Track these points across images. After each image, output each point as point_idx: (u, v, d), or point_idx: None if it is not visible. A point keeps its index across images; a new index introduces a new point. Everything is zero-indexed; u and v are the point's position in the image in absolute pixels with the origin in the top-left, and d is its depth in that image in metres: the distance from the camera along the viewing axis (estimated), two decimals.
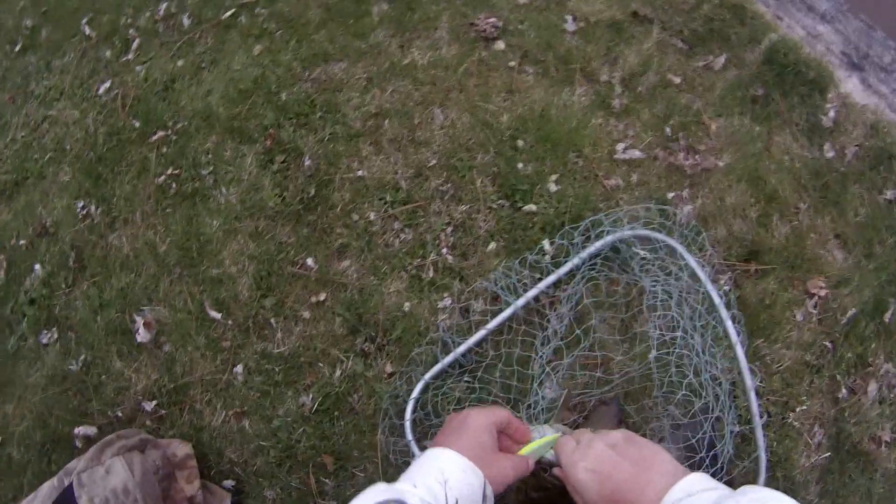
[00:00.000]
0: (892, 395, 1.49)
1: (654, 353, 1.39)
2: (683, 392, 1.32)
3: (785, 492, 1.37)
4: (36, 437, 1.68)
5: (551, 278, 1.45)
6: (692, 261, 1.38)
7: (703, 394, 1.32)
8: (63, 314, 1.76)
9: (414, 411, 1.42)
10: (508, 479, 0.89)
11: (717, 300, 1.34)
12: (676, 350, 1.36)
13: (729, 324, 1.31)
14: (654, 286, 1.43)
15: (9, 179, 2.01)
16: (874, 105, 1.75)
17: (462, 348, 1.43)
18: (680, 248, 1.42)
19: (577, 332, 1.45)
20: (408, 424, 1.38)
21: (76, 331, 1.73)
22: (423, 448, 1.39)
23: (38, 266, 1.83)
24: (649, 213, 1.54)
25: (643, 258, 1.47)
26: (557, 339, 1.45)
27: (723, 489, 0.74)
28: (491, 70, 1.80)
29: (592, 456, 0.86)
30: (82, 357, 1.70)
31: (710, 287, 1.36)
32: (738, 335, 1.32)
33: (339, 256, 1.63)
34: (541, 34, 1.83)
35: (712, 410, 1.31)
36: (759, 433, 1.29)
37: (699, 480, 0.77)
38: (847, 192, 1.65)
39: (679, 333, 1.36)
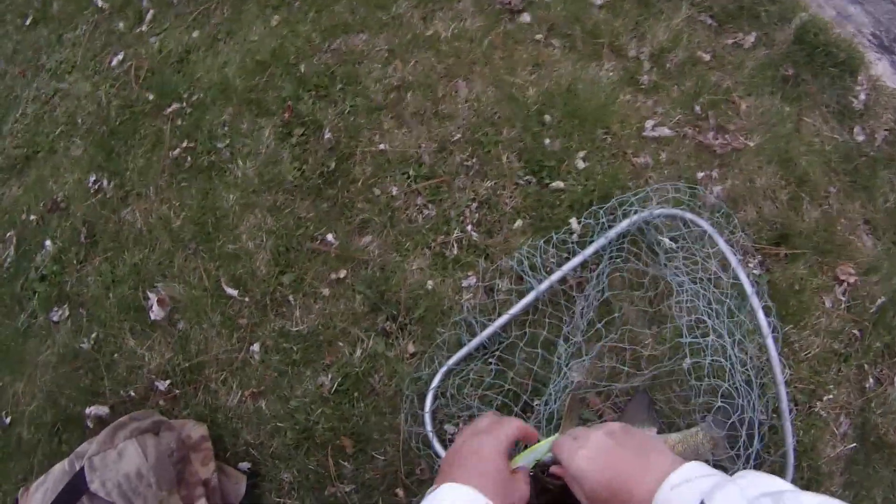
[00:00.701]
0: None
1: (688, 360, 1.36)
2: (710, 381, 1.30)
3: (809, 482, 1.38)
4: (47, 416, 1.64)
5: (576, 260, 1.41)
6: (724, 245, 1.34)
7: (737, 388, 1.29)
8: (74, 291, 1.72)
9: (435, 399, 1.39)
10: (527, 496, 0.88)
11: (749, 289, 1.30)
12: (707, 341, 1.34)
13: (761, 315, 1.28)
14: (682, 285, 1.40)
15: (19, 154, 1.96)
16: None
17: (485, 333, 1.39)
18: (711, 230, 1.39)
19: (598, 326, 1.41)
20: (427, 417, 1.35)
21: (88, 308, 1.69)
22: (442, 439, 1.37)
23: (48, 242, 1.79)
24: (678, 194, 1.50)
25: (668, 249, 1.44)
26: (584, 323, 1.41)
27: (720, 475, 0.74)
28: (517, 43, 1.76)
29: (591, 444, 0.85)
30: (94, 335, 1.66)
31: (742, 276, 1.32)
32: (771, 328, 1.29)
33: (360, 232, 1.59)
34: (568, 7, 1.78)
35: (745, 401, 1.28)
36: (788, 428, 1.26)
37: (697, 467, 0.76)
38: (877, 176, 1.61)
39: (710, 337, 1.34)
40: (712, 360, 1.34)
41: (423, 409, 1.37)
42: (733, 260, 1.33)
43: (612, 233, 1.42)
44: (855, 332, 1.50)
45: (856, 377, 1.47)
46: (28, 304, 1.74)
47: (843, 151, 1.64)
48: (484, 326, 1.41)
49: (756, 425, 1.29)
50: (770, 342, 1.29)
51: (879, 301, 1.52)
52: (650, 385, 1.39)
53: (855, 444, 1.43)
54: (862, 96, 1.69)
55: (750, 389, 1.31)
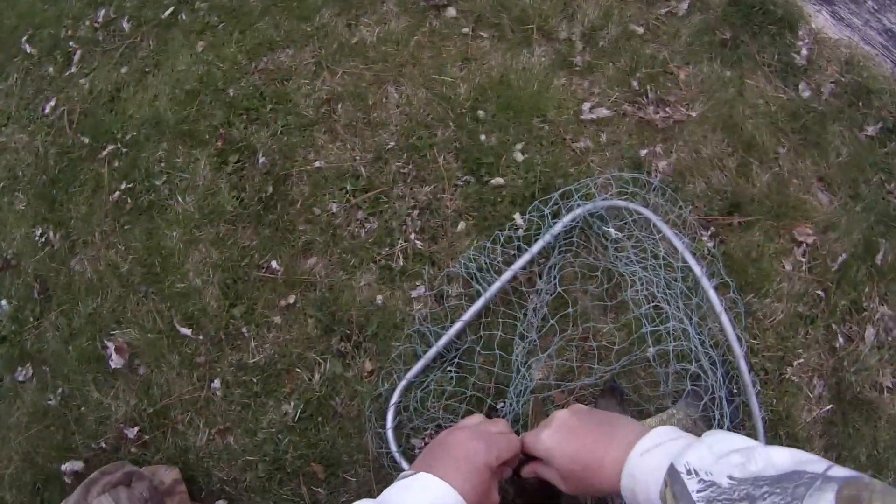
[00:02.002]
0: (890, 339, 1.43)
1: (651, 349, 1.34)
2: (675, 366, 1.27)
3: None
4: (26, 477, 1.63)
5: (522, 259, 1.38)
6: (668, 231, 1.31)
7: (703, 369, 1.26)
8: (35, 348, 1.71)
9: (397, 415, 1.36)
10: None
11: (698, 272, 1.27)
12: (668, 327, 1.31)
13: (712, 294, 1.25)
14: (635, 274, 1.37)
15: None
16: (847, 39, 1.66)
17: (439, 343, 1.36)
18: (654, 218, 1.35)
19: (551, 322, 1.38)
20: (390, 433, 1.33)
21: (50, 364, 1.68)
22: (408, 453, 1.35)
23: (4, 302, 1.77)
24: (621, 181, 1.46)
25: (615, 240, 1.40)
26: (538, 319, 1.39)
27: (690, 437, 0.73)
28: (444, 39, 1.71)
29: (554, 422, 0.85)
30: (59, 390, 1.65)
31: (690, 259, 1.29)
32: (723, 306, 1.26)
33: (305, 254, 1.57)
34: None
35: (713, 381, 1.25)
36: (754, 402, 1.23)
37: (667, 431, 0.75)
38: (827, 131, 1.57)
39: (671, 323, 1.31)
40: (675, 346, 1.31)
41: (384, 427, 1.35)
42: (679, 245, 1.30)
43: (555, 229, 1.38)
44: (819, 292, 1.46)
45: (824, 338, 1.44)
46: None
47: (789, 110, 1.60)
48: (438, 336, 1.39)
49: (725, 403, 1.26)
50: (725, 319, 1.26)
51: (841, 258, 1.48)
52: (617, 374, 1.36)
53: (831, 406, 1.40)
54: (804, 51, 1.64)
55: (715, 368, 1.28)
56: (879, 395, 1.41)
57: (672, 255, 1.38)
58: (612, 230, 1.40)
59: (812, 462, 0.57)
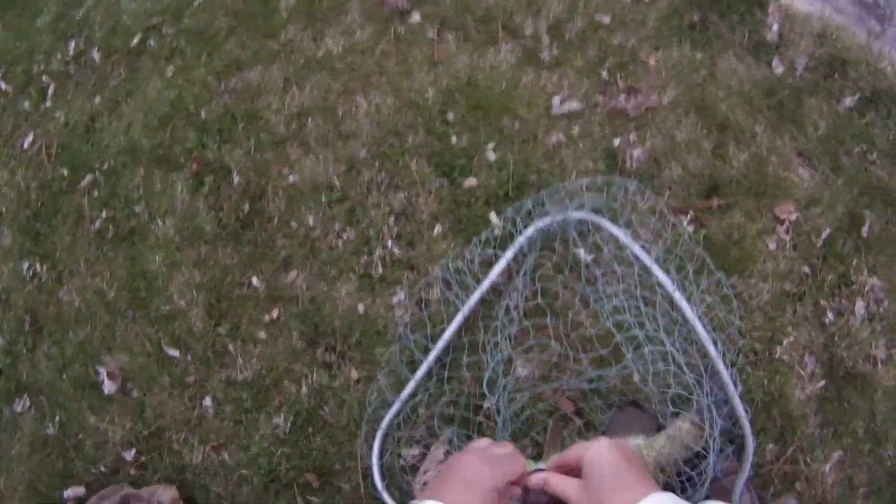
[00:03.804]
0: (881, 311, 1.40)
1: (637, 375, 1.31)
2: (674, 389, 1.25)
3: (783, 430, 1.33)
4: None
5: (495, 270, 1.36)
6: (637, 249, 1.28)
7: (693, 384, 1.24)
8: (31, 379, 1.73)
9: (385, 439, 1.36)
10: None
11: (669, 287, 1.25)
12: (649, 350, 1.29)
13: (684, 305, 1.23)
14: (603, 297, 1.35)
15: None
16: (818, 11, 1.63)
17: (419, 373, 1.36)
18: (621, 235, 1.31)
19: (527, 324, 1.37)
20: (378, 483, 1.32)
21: (46, 394, 1.70)
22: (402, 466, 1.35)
23: None
24: (594, 188, 1.44)
25: (588, 264, 1.38)
26: (518, 314, 1.37)
27: None
28: (410, 45, 1.71)
29: (606, 440, 0.83)
30: (57, 418, 1.67)
31: (659, 273, 1.27)
32: (698, 313, 1.26)
33: (285, 268, 1.57)
34: None
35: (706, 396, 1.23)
36: (738, 403, 1.21)
37: (670, 500, 0.72)
38: (804, 106, 1.54)
39: (647, 348, 1.29)
40: (666, 368, 1.27)
41: (371, 460, 1.35)
42: (647, 260, 1.28)
43: (509, 253, 1.36)
44: (805, 269, 1.44)
45: (814, 314, 1.42)
46: None
47: (764, 88, 1.57)
48: (422, 347, 1.38)
49: (713, 416, 1.23)
50: (699, 326, 1.23)
51: (825, 233, 1.45)
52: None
53: (824, 382, 1.37)
54: (775, 27, 1.62)
55: (702, 386, 1.26)
56: (873, 367, 1.37)
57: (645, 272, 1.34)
58: (582, 252, 1.38)
59: None
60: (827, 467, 1.30)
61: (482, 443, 0.95)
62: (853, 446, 1.32)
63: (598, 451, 0.80)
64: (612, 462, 0.78)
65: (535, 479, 0.89)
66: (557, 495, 0.85)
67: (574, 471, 0.84)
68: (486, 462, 0.84)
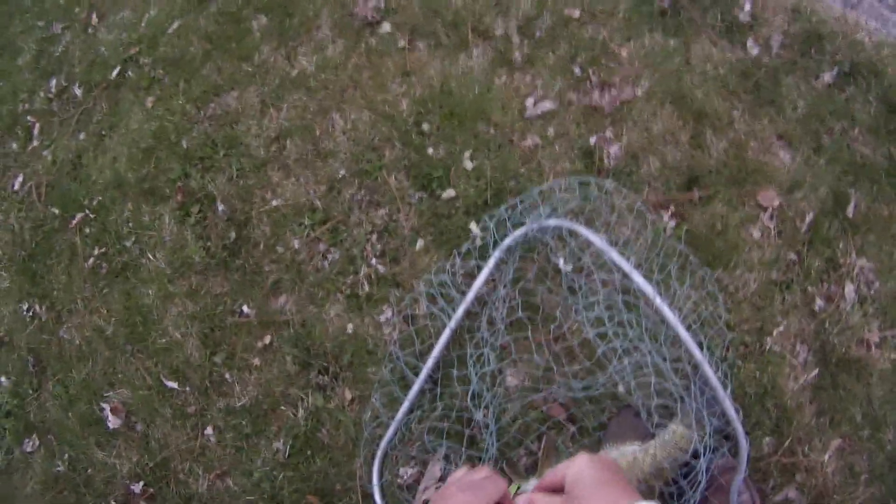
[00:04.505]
0: (871, 293, 1.38)
1: (621, 386, 1.31)
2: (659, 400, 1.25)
3: (778, 422, 1.32)
4: None
5: (476, 283, 1.36)
6: (615, 255, 1.27)
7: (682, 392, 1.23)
8: (38, 419, 1.76)
9: (384, 461, 1.38)
10: None
11: (650, 293, 1.24)
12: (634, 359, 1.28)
13: (665, 310, 1.22)
14: (583, 309, 1.34)
15: None
16: None
17: (411, 394, 1.37)
18: (600, 244, 1.29)
19: (502, 329, 1.37)
20: (376, 488, 1.34)
21: (54, 432, 1.73)
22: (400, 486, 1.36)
23: (3, 378, 1.83)
24: (568, 190, 1.43)
25: (568, 273, 1.38)
26: (503, 325, 1.38)
27: None
28: (382, 56, 1.70)
29: (587, 455, 0.82)
30: (66, 456, 1.70)
31: (640, 280, 1.25)
32: (681, 316, 1.24)
33: (275, 293, 1.58)
34: (425, 3, 1.72)
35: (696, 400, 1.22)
36: (729, 406, 1.20)
37: None
38: (781, 86, 1.51)
39: (627, 360, 1.28)
40: (640, 381, 1.27)
41: (371, 481, 1.37)
42: (626, 266, 1.26)
43: (494, 256, 1.36)
44: (791, 256, 1.42)
45: (803, 302, 1.40)
46: (2, 443, 1.79)
47: (739, 70, 1.55)
48: (413, 367, 1.39)
49: (705, 417, 1.23)
50: (681, 330, 1.22)
51: (809, 217, 1.44)
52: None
53: (818, 370, 1.36)
54: (747, 6, 1.59)
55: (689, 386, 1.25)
56: (867, 351, 1.36)
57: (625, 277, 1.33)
58: (561, 261, 1.37)
59: None
60: (826, 456, 1.29)
61: (458, 473, 0.96)
62: (852, 433, 1.31)
63: (578, 467, 0.80)
64: (593, 476, 0.78)
65: (520, 501, 0.90)
66: None
67: (558, 490, 0.85)
68: (467, 490, 0.84)
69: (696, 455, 1.19)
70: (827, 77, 1.51)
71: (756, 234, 1.43)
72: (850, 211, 1.42)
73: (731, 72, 1.54)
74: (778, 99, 1.51)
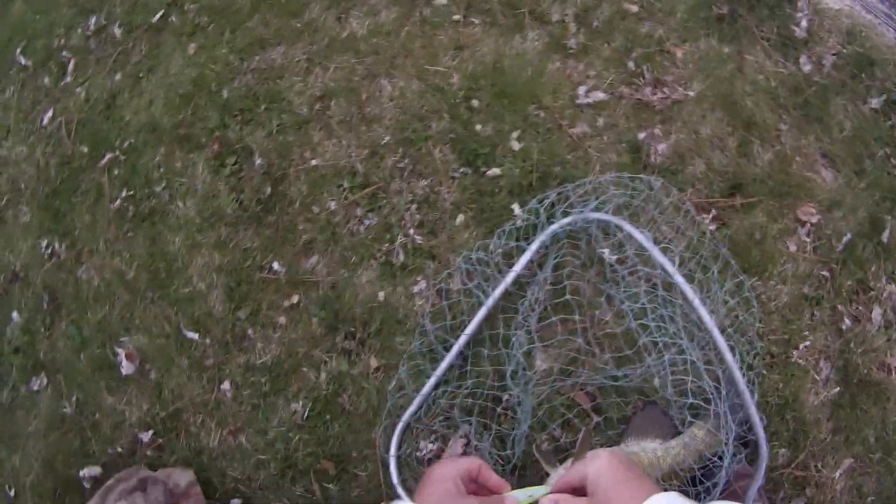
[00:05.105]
0: None
1: (657, 380, 1.32)
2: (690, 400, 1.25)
3: (795, 434, 1.35)
4: (47, 483, 1.67)
5: (520, 263, 1.36)
6: (658, 253, 1.28)
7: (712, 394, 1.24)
8: (48, 358, 1.74)
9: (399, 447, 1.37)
10: None
11: (689, 294, 1.25)
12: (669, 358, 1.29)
13: (703, 312, 1.23)
14: (625, 300, 1.35)
15: None
16: (848, 9, 1.61)
17: (439, 370, 1.36)
18: (642, 239, 1.30)
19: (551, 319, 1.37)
20: (395, 477, 1.34)
21: (63, 373, 1.71)
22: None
23: (15, 314, 1.80)
24: (619, 185, 1.43)
25: (611, 263, 1.38)
26: (539, 307, 1.38)
27: None
28: (435, 28, 1.69)
29: (609, 452, 0.88)
30: (74, 398, 1.68)
31: (680, 280, 1.26)
32: (716, 320, 1.25)
33: (306, 253, 1.57)
34: None
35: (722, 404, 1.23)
36: (754, 412, 1.21)
37: (675, 499, 0.77)
38: (829, 105, 1.53)
39: (666, 356, 1.29)
40: (675, 379, 1.28)
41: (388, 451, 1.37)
42: (670, 267, 1.27)
43: (534, 245, 1.36)
44: (824, 273, 1.44)
45: (831, 319, 1.43)
46: (8, 378, 1.77)
47: (790, 85, 1.56)
48: (443, 341, 1.39)
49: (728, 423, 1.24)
50: (717, 335, 1.23)
51: (846, 237, 1.46)
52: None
53: (839, 388, 1.39)
54: (804, 23, 1.60)
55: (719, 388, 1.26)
56: (887, 375, 1.39)
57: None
58: (606, 252, 1.38)
59: None
60: (837, 474, 1.32)
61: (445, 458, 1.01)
62: (864, 454, 1.34)
63: (599, 466, 0.85)
64: (614, 474, 0.83)
65: (546, 502, 0.92)
66: None
67: (578, 490, 0.88)
68: (444, 464, 0.94)
69: (713, 460, 1.21)
70: (874, 102, 1.53)
71: (792, 247, 1.45)
72: (885, 237, 1.45)
73: (782, 85, 1.55)
74: (825, 118, 1.53)
